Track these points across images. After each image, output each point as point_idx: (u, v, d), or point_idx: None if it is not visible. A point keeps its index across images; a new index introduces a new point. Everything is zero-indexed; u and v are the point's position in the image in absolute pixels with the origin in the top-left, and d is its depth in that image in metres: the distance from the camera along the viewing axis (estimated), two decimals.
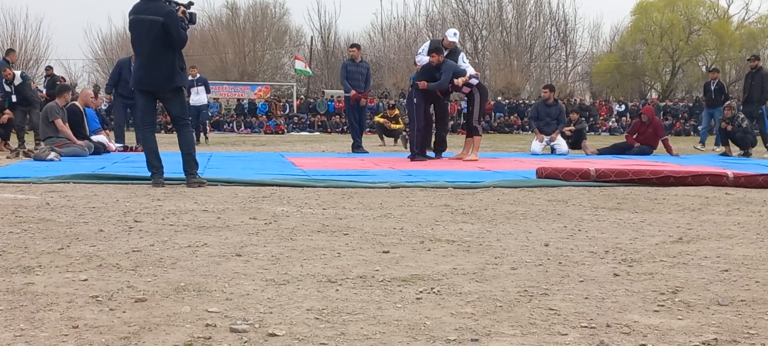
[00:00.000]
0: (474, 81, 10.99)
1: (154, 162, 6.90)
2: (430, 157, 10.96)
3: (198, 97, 17.91)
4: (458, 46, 11.81)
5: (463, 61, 11.49)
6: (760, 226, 4.68)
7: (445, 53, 11.12)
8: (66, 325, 2.31)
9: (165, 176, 6.93)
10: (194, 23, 7.23)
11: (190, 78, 18.27)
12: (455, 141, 17.51)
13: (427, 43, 12.07)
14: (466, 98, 11.65)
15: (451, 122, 28.86)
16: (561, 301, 2.70)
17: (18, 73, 13.63)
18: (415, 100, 10.85)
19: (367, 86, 13.57)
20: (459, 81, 10.79)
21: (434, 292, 2.81)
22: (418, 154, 10.76)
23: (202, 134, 18.14)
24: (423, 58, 11.52)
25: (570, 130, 14.74)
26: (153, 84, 6.95)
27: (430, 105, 11.13)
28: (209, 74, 45.11)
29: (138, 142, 13.24)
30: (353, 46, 14.57)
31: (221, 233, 4.14)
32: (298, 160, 10.59)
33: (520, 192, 6.58)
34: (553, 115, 14.33)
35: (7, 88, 13.60)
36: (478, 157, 11.10)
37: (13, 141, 13.54)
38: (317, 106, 36.65)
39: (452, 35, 11.58)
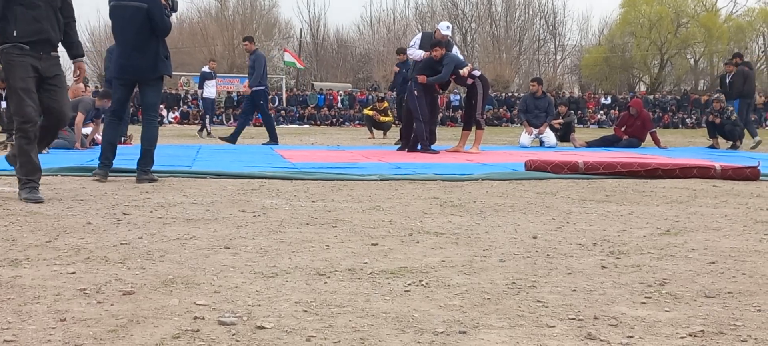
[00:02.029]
0: (476, 73, 11.01)
1: (109, 155, 6.73)
2: (418, 150, 10.94)
3: (212, 89, 18.20)
4: (450, 39, 11.81)
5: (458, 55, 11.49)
6: (747, 218, 4.70)
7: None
8: (53, 318, 2.30)
9: (156, 167, 6.86)
10: (176, 11, 7.13)
11: (208, 69, 18.46)
12: (443, 133, 17.51)
13: (419, 36, 12.03)
14: (458, 90, 11.73)
15: (440, 115, 28.84)
16: (549, 293, 2.71)
17: None
18: (416, 93, 10.80)
19: (254, 76, 13.54)
20: (464, 71, 10.79)
21: (422, 284, 2.82)
22: (427, 147, 10.76)
23: (205, 128, 18.27)
24: (415, 52, 11.49)
25: (559, 123, 14.78)
26: (136, 73, 6.80)
27: (428, 97, 11.11)
28: (198, 66, 45.01)
29: (124, 135, 13.20)
30: (245, 39, 14.68)
31: (210, 226, 4.13)
32: (287, 153, 10.58)
33: (509, 185, 6.59)
34: (541, 108, 14.38)
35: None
36: (480, 150, 11.12)
37: None
38: (307, 99, 36.62)
39: (445, 28, 11.56)
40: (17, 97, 5.20)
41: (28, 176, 5.20)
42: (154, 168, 6.74)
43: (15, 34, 5.19)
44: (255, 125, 30.59)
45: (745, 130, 14.27)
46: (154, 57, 6.75)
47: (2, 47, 5.24)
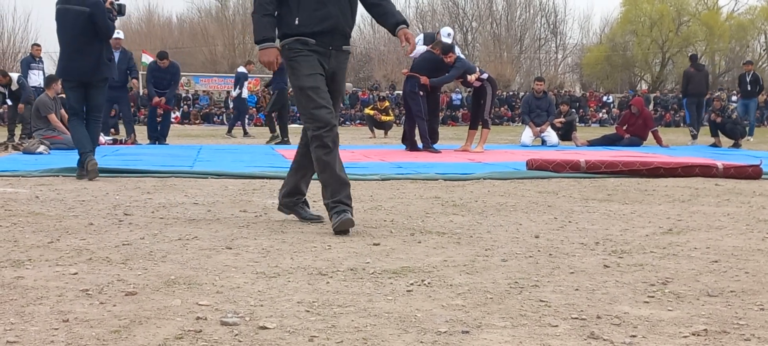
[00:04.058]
0: (484, 76, 11.11)
1: (87, 145, 6.85)
2: (419, 149, 10.93)
3: (246, 90, 18.50)
4: (453, 43, 11.80)
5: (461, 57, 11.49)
6: (749, 217, 4.69)
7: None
8: (56, 319, 2.30)
9: (158, 167, 6.88)
10: (123, 15, 7.28)
11: (245, 70, 18.63)
12: (444, 133, 17.51)
13: (421, 36, 12.00)
14: (460, 89, 11.79)
15: (441, 114, 28.85)
16: (551, 293, 2.70)
17: (15, 77, 13.48)
18: (421, 93, 10.81)
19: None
20: (472, 78, 10.91)
21: (425, 284, 2.81)
22: (429, 146, 10.77)
23: (242, 128, 18.56)
24: (418, 46, 11.43)
25: (560, 122, 14.77)
26: (79, 74, 6.94)
27: (430, 96, 11.14)
28: (199, 67, 45.08)
29: (127, 135, 13.23)
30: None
31: (211, 226, 4.13)
32: (288, 153, 10.56)
33: (511, 184, 6.59)
34: (543, 108, 14.42)
35: (2, 90, 13.55)
36: (484, 150, 11.16)
37: (1, 135, 13.47)
38: None
39: (446, 36, 11.56)
40: (306, 99, 4.13)
41: (334, 197, 4.08)
42: (162, 168, 6.79)
43: (297, 22, 4.14)
44: (256, 125, 30.60)
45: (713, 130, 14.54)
46: (97, 60, 6.90)
47: (284, 42, 4.23)
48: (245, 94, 18.66)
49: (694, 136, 15.80)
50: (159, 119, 13.90)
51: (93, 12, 6.76)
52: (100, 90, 7.03)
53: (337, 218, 3.96)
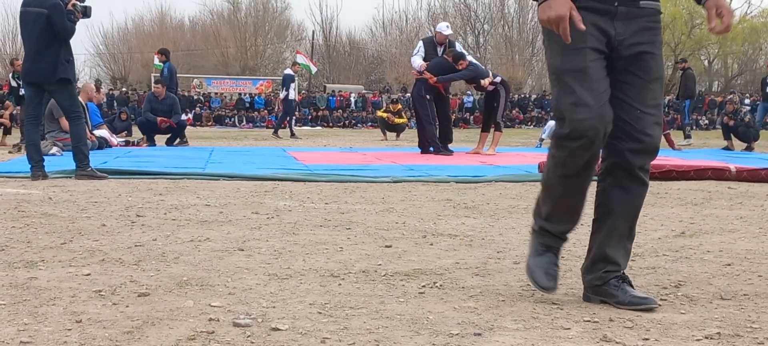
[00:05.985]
0: (498, 79, 11.10)
1: (34, 155, 6.89)
2: (430, 152, 10.92)
3: (293, 92, 18.78)
4: (451, 39, 11.78)
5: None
6: (762, 220, 4.67)
7: (440, 48, 11.21)
8: (69, 319, 2.31)
9: (171, 169, 6.90)
10: (88, 16, 7.26)
11: (291, 72, 18.80)
12: (456, 135, 17.47)
13: (421, 44, 11.95)
14: (472, 92, 11.75)
15: (453, 116, 28.84)
16: (564, 295, 2.70)
17: None
18: (427, 96, 10.82)
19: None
20: (485, 82, 10.89)
21: (437, 286, 2.81)
22: (440, 148, 10.77)
23: (289, 129, 18.77)
24: (417, 60, 11.39)
25: None
26: (38, 76, 6.98)
27: (440, 98, 11.16)
28: (210, 69, 45.22)
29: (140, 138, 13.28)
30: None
31: (223, 228, 4.14)
32: (299, 155, 10.59)
33: (523, 186, 6.58)
34: None
35: (14, 84, 13.56)
36: (496, 152, 11.15)
37: (15, 136, 13.52)
38: (316, 101, 36.61)
39: (445, 28, 11.57)
40: (560, 87, 2.57)
41: (549, 220, 2.75)
42: (164, 169, 6.80)
43: None
44: (267, 127, 30.64)
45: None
46: (55, 61, 6.90)
47: None
48: (292, 95, 18.88)
49: (688, 136, 16.65)
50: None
51: (50, 13, 6.81)
52: (62, 92, 7.03)
53: (539, 274, 2.64)
